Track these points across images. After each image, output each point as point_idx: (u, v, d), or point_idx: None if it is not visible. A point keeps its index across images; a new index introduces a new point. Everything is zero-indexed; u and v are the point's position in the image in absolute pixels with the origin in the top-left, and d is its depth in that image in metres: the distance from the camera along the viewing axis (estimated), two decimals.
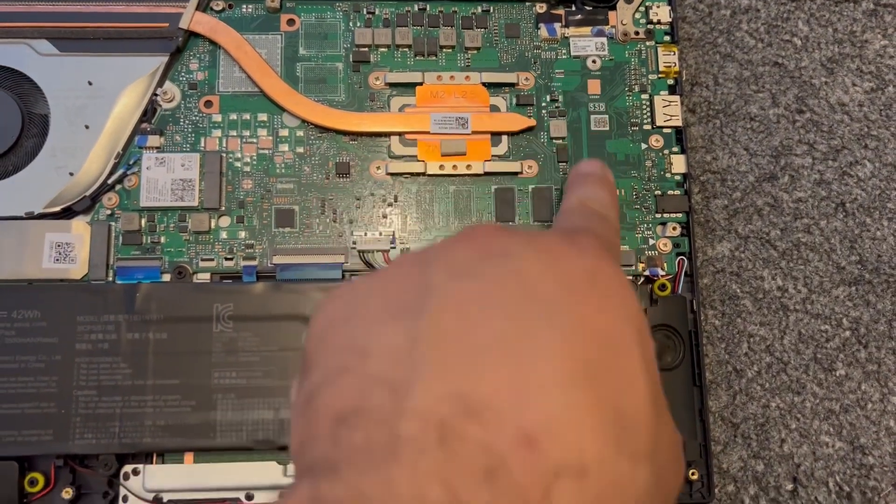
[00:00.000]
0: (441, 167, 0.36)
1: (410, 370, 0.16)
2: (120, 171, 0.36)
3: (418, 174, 0.36)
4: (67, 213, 0.35)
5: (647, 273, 0.36)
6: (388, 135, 0.37)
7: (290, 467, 0.33)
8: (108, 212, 0.35)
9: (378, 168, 0.36)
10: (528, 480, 0.15)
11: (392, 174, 0.36)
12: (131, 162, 0.36)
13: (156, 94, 0.36)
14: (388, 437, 0.16)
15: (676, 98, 0.38)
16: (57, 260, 0.34)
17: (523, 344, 0.17)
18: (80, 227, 0.35)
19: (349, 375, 0.17)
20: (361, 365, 0.17)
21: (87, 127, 0.36)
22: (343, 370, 0.18)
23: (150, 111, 0.36)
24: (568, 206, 0.25)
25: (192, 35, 0.37)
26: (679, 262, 0.36)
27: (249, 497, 0.33)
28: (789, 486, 0.36)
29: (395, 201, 0.36)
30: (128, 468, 0.33)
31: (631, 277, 0.36)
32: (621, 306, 0.19)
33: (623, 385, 0.17)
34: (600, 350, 0.17)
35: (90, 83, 0.36)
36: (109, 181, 0.36)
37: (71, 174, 0.35)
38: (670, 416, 0.20)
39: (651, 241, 0.36)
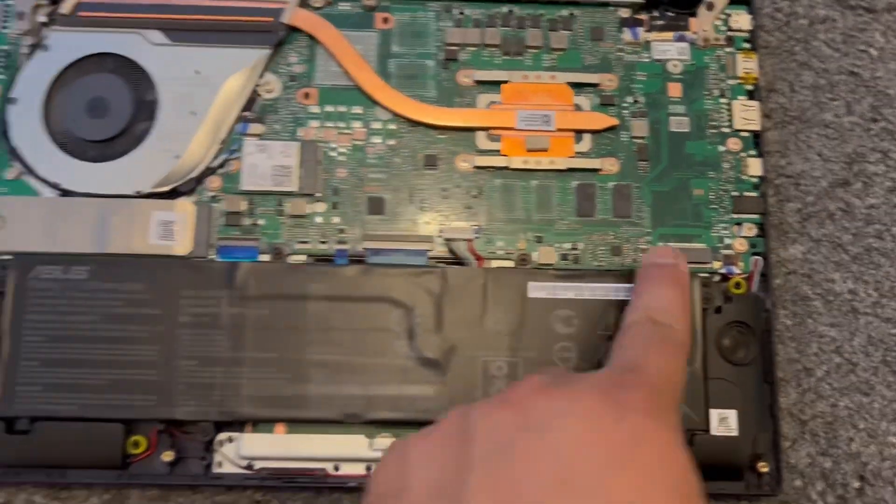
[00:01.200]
0: (525, 162, 0.38)
1: None
2: (223, 156, 0.38)
3: (503, 168, 0.38)
4: (173, 194, 0.37)
5: (723, 271, 0.37)
6: (474, 129, 0.38)
7: (377, 441, 0.35)
8: (211, 194, 0.37)
9: (464, 161, 0.38)
10: None
11: (478, 167, 0.38)
12: (233, 148, 0.38)
13: (258, 85, 0.39)
14: None
15: (755, 103, 0.39)
16: (162, 237, 0.37)
17: None
18: (184, 207, 0.37)
19: None
20: None
21: (193, 113, 0.38)
22: None
23: (251, 100, 0.38)
24: (631, 320, 0.26)
25: (292, 30, 0.39)
26: (754, 261, 0.37)
27: (336, 468, 0.35)
28: (856, 485, 0.37)
29: (480, 193, 0.38)
30: (223, 435, 0.35)
31: (706, 275, 0.37)
32: (661, 477, 0.19)
33: None
34: None
35: (197, 72, 0.38)
36: (213, 165, 0.38)
37: (177, 157, 0.37)
38: None
39: (727, 241, 0.38)
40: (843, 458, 0.37)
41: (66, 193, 0.37)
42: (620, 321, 0.29)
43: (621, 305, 0.36)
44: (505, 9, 0.40)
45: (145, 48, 0.38)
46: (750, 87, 0.39)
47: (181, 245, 0.37)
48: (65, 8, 0.39)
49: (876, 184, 0.40)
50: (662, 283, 0.26)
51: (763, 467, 0.35)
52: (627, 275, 0.36)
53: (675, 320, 0.25)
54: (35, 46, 0.39)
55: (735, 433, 0.35)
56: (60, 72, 0.38)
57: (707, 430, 0.35)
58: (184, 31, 0.39)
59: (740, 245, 0.37)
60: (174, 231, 0.37)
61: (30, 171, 0.37)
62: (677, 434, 0.20)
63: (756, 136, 0.39)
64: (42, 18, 0.39)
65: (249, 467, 0.35)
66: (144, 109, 0.38)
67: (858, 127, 0.41)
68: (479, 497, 0.18)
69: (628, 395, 0.21)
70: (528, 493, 0.18)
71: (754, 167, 0.38)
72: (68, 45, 0.38)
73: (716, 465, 0.35)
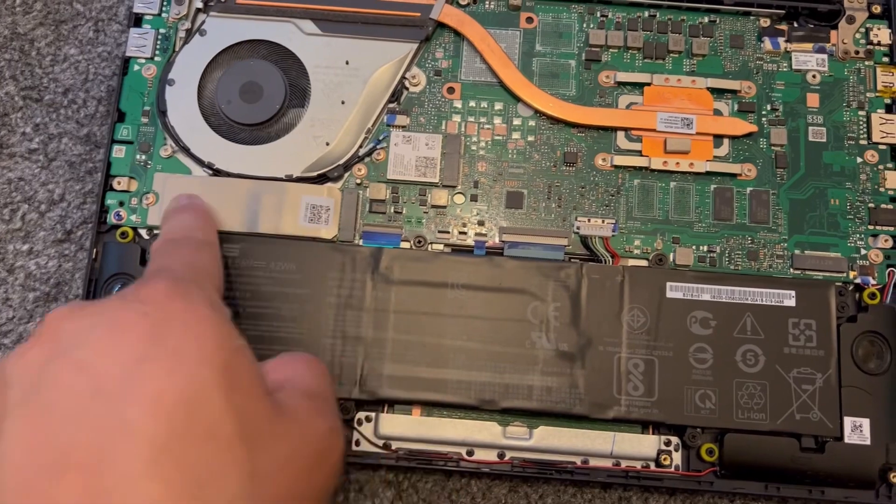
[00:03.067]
0: (665, 163, 0.38)
1: None
2: (370, 145, 0.39)
3: (642, 168, 0.39)
4: (322, 179, 0.39)
5: (858, 281, 0.37)
6: (615, 129, 0.39)
7: (510, 429, 0.36)
8: (358, 181, 0.39)
9: (603, 160, 0.39)
10: None
11: (616, 166, 0.39)
12: (380, 138, 0.39)
13: (405, 78, 0.40)
14: None
15: (893, 117, 0.39)
16: (311, 220, 0.38)
17: (97, 448, 0.17)
18: (332, 193, 0.38)
19: None
20: None
21: (342, 102, 0.39)
22: None
23: (398, 92, 0.40)
24: (153, 248, 0.28)
25: (440, 25, 0.40)
26: (889, 273, 0.37)
27: (470, 453, 0.36)
28: None
29: (618, 192, 0.39)
30: (362, 414, 0.36)
31: (840, 284, 0.37)
32: (195, 354, 0.19)
33: (204, 443, 0.18)
34: (175, 421, 0.18)
35: (347, 62, 0.40)
36: (360, 153, 0.39)
37: (327, 144, 0.39)
38: (300, 409, 0.22)
39: (863, 251, 0.38)
40: None
41: (217, 173, 0.39)
42: None
43: (757, 309, 0.36)
44: (647, 13, 0.40)
45: (298, 37, 0.40)
46: (888, 101, 0.40)
47: (328, 229, 0.38)
48: None
49: None
50: (178, 212, 0.30)
51: (895, 478, 0.35)
52: (764, 280, 0.37)
53: (193, 231, 0.27)
54: (192, 31, 0.40)
55: (868, 442, 0.35)
56: (215, 56, 0.40)
57: (840, 438, 0.35)
58: (335, 22, 0.40)
59: (875, 256, 0.38)
60: (321, 215, 0.38)
61: (184, 149, 0.39)
62: (209, 310, 0.21)
63: (893, 148, 0.39)
64: (199, 4, 0.40)
65: (386, 447, 0.36)
66: (296, 96, 0.39)
67: None
68: (16, 436, 0.18)
69: (148, 289, 0.21)
70: (63, 417, 0.18)
71: (892, 180, 0.38)
72: (223, 30, 0.40)
73: (847, 472, 0.35)
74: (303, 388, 0.23)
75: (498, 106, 0.40)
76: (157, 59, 0.40)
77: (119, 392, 0.18)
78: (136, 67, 0.40)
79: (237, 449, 0.19)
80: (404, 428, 0.36)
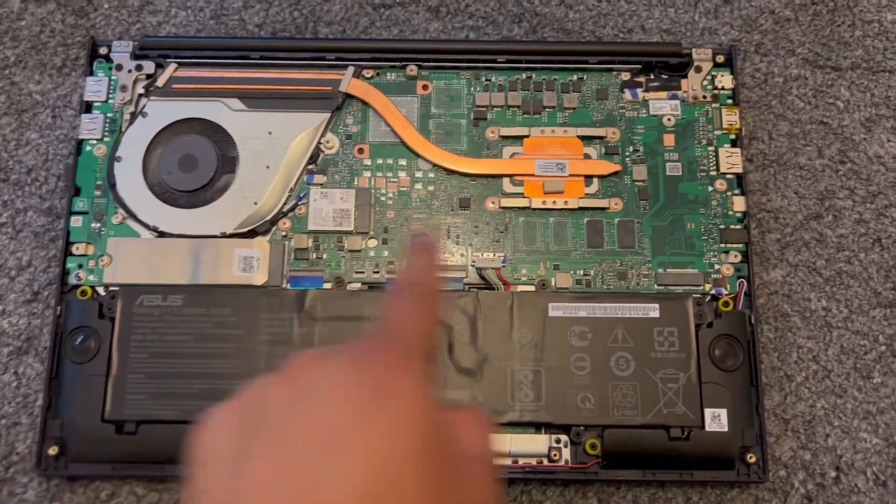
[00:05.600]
0: (543, 202, 0.45)
1: None
2: (293, 202, 0.45)
3: (525, 208, 0.45)
4: (252, 234, 0.45)
5: (713, 292, 0.44)
6: (500, 176, 0.46)
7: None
8: (283, 233, 0.45)
9: (493, 203, 0.45)
10: None
11: (504, 208, 0.45)
12: (301, 195, 0.45)
13: (320, 143, 0.46)
14: None
15: (737, 150, 0.46)
16: (244, 270, 0.44)
17: (319, 489, 0.20)
18: (261, 245, 0.45)
19: (199, 498, 0.21)
20: (204, 496, 0.21)
21: (267, 167, 0.46)
22: (196, 494, 0.22)
23: (315, 155, 0.46)
24: (390, 288, 0.27)
25: (348, 97, 0.47)
26: (740, 283, 0.44)
27: None
28: (832, 474, 0.43)
29: (506, 229, 0.45)
30: None
31: (698, 295, 0.44)
32: (403, 423, 0.21)
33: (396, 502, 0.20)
34: (379, 479, 0.20)
35: (270, 133, 0.46)
36: (284, 209, 0.45)
37: (255, 203, 0.45)
38: (469, 480, 0.23)
39: (717, 266, 0.44)
40: (821, 452, 0.43)
41: (162, 235, 0.45)
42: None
43: (627, 321, 0.43)
44: (524, 75, 0.47)
45: (226, 113, 0.46)
46: (733, 137, 0.46)
47: (259, 276, 0.44)
48: (160, 81, 0.47)
49: (844, 216, 0.47)
50: (416, 252, 0.29)
51: (751, 458, 0.42)
52: (632, 296, 0.43)
53: (430, 286, 0.27)
54: (135, 113, 0.47)
55: (725, 429, 0.42)
56: (156, 134, 0.46)
57: (702, 427, 0.42)
58: (258, 98, 0.46)
59: (727, 270, 0.44)
60: (253, 265, 0.44)
61: (132, 216, 0.45)
62: (423, 384, 0.22)
63: (739, 177, 0.46)
64: (140, 90, 0.47)
65: None
66: (227, 164, 0.46)
67: (828, 168, 0.48)
68: (258, 464, 0.21)
69: (377, 356, 0.23)
70: (299, 454, 0.21)
71: (738, 204, 0.45)
72: (162, 111, 0.46)
73: (710, 456, 0.42)
74: (475, 453, 0.25)
75: (402, 162, 0.46)
76: (106, 139, 0.46)
77: (343, 443, 0.21)
78: (89, 148, 0.46)
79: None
80: None
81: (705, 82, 0.47)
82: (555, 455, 0.42)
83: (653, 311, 0.43)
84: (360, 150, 0.46)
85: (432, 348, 0.26)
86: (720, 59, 0.47)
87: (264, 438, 0.22)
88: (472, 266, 0.45)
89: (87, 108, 0.47)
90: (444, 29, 0.50)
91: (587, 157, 0.46)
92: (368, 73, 0.47)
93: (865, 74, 0.50)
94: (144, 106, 0.47)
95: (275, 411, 0.22)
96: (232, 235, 0.45)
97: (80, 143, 0.46)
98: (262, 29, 0.50)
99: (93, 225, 0.45)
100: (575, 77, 0.48)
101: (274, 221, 0.45)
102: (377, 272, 0.45)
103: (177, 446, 0.41)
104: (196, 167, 0.45)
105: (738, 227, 0.45)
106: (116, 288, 0.44)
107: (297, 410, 0.22)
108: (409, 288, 0.27)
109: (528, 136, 0.46)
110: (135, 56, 0.47)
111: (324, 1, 0.51)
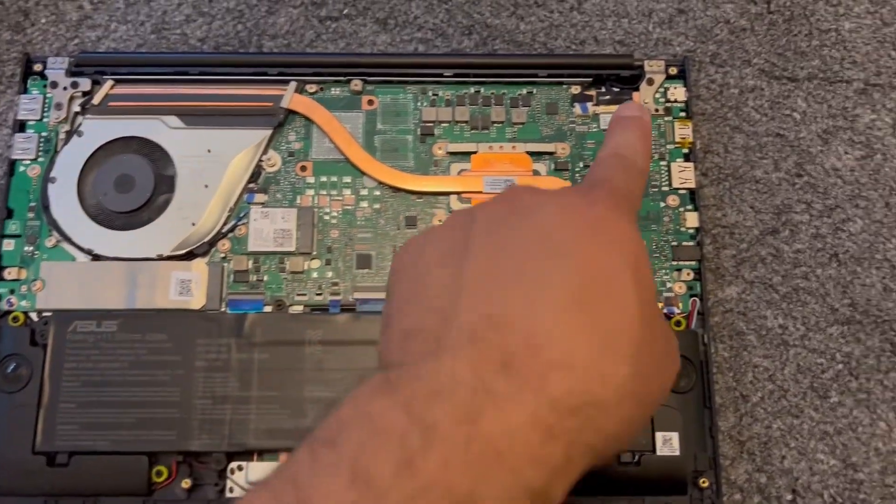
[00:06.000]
0: None
1: (454, 300, 0.23)
2: (232, 222, 0.44)
3: None
4: (189, 256, 0.43)
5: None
6: (448, 194, 0.44)
7: None
8: (222, 255, 0.44)
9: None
10: (530, 371, 0.21)
11: None
12: (241, 215, 0.44)
13: (261, 160, 0.45)
14: (437, 344, 0.22)
15: (690, 164, 0.45)
16: (181, 293, 0.43)
17: (537, 278, 0.23)
18: (199, 267, 0.43)
19: (413, 305, 0.24)
20: (422, 298, 0.24)
21: (206, 186, 0.44)
22: (409, 301, 0.24)
23: (256, 174, 0.45)
24: (601, 155, 0.29)
25: (291, 113, 0.45)
26: (692, 302, 0.43)
27: None
28: (789, 497, 0.42)
29: None
30: (234, 464, 0.41)
31: None
32: (618, 247, 0.24)
33: (613, 308, 0.23)
34: (597, 284, 0.23)
35: (209, 151, 0.45)
36: (223, 230, 0.44)
37: (193, 224, 0.43)
38: (664, 326, 0.25)
39: (668, 284, 0.43)
40: (777, 474, 0.42)
41: (97, 258, 0.43)
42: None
43: None
44: (472, 89, 0.46)
45: (164, 131, 0.45)
46: (686, 151, 0.45)
47: (197, 300, 0.43)
48: (95, 99, 0.45)
49: (801, 231, 0.46)
50: (629, 128, 0.30)
51: (704, 483, 0.40)
52: None
53: (638, 155, 0.29)
54: (71, 132, 0.45)
55: (677, 453, 0.40)
56: (92, 153, 0.45)
57: (653, 451, 0.40)
58: (197, 115, 0.45)
59: (679, 288, 0.43)
60: (191, 288, 0.43)
61: (67, 239, 0.43)
62: (633, 227, 0.25)
63: (692, 193, 0.45)
64: (76, 108, 0.46)
65: None
66: (165, 184, 0.44)
67: (785, 182, 0.47)
68: (478, 256, 0.23)
69: (596, 192, 0.26)
70: (517, 252, 0.23)
71: (691, 220, 0.44)
72: (98, 130, 0.45)
73: (661, 481, 0.40)
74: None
75: (346, 179, 0.45)
76: (40, 159, 0.45)
77: (563, 251, 0.23)
78: (22, 168, 0.45)
79: (635, 325, 0.23)
80: None
81: (658, 95, 0.46)
82: None
83: None
84: (303, 168, 0.45)
85: (639, 208, 0.29)
86: (673, 70, 0.46)
87: (485, 239, 0.24)
88: None
89: (21, 127, 0.46)
90: (392, 41, 0.49)
91: (536, 173, 0.45)
92: (312, 89, 0.46)
93: (822, 85, 0.49)
94: (80, 124, 0.45)
95: (496, 221, 0.24)
96: (169, 258, 0.43)
97: (12, 164, 0.45)
98: (205, 43, 0.49)
99: (26, 248, 0.44)
100: (524, 91, 0.46)
101: (213, 243, 0.44)
102: (320, 294, 0.43)
103: (112, 478, 0.40)
104: (133, 187, 0.44)
105: (691, 243, 0.44)
106: (49, 313, 0.42)
107: (519, 221, 0.24)
108: (629, 123, 0.29)
109: (475, 153, 0.45)
110: (70, 73, 0.46)
111: (268, 14, 0.49)
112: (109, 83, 0.45)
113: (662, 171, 0.45)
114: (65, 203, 0.44)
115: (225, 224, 0.44)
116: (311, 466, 0.21)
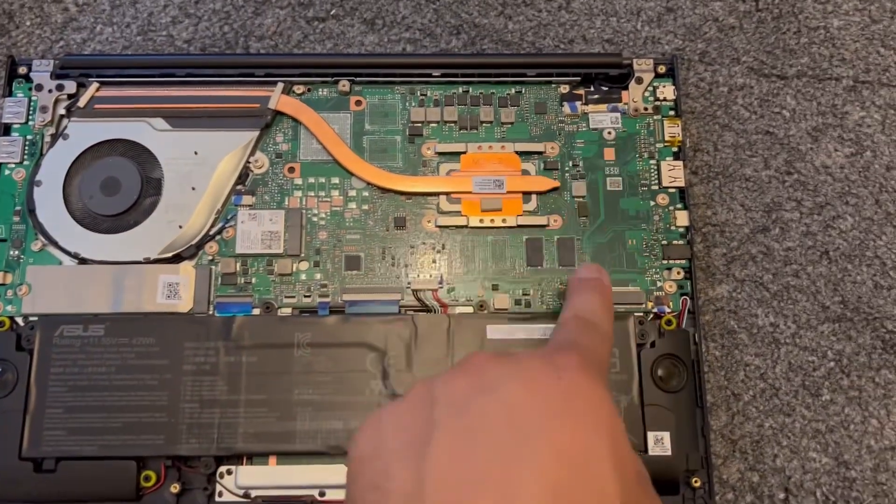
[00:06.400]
0: (481, 220, 0.44)
1: None
2: (220, 225, 0.44)
3: (462, 226, 0.44)
4: (177, 259, 0.43)
5: (655, 310, 0.43)
6: (437, 194, 0.44)
7: None
8: (210, 258, 0.43)
9: (429, 221, 0.44)
10: None
11: (440, 226, 0.44)
12: (229, 217, 0.44)
13: (249, 162, 0.45)
14: None
15: (679, 163, 0.45)
16: (168, 297, 0.42)
17: (507, 477, 0.20)
18: (187, 270, 0.43)
19: None
20: (384, 499, 0.22)
21: (193, 188, 0.44)
22: (371, 502, 0.22)
23: (244, 175, 0.44)
24: (563, 318, 0.29)
25: (278, 114, 0.45)
26: (683, 301, 0.43)
27: (322, 494, 0.40)
28: (781, 496, 0.42)
29: (443, 249, 0.44)
30: (223, 468, 0.40)
31: (640, 314, 0.42)
32: (593, 422, 0.22)
33: (594, 494, 0.21)
34: (573, 470, 0.21)
35: (196, 153, 0.44)
36: (211, 233, 0.43)
37: (180, 227, 0.43)
38: (645, 488, 0.24)
39: (659, 284, 0.43)
40: (770, 473, 0.42)
41: (84, 262, 0.43)
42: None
43: None
44: (461, 89, 0.46)
45: (151, 134, 0.45)
46: (675, 149, 0.45)
47: (184, 303, 0.42)
48: (81, 102, 0.45)
49: (792, 229, 0.46)
50: (589, 291, 0.30)
51: (696, 482, 0.40)
52: None
53: (600, 320, 0.29)
54: (56, 135, 0.45)
55: (669, 452, 0.40)
56: (78, 156, 0.44)
57: (645, 451, 0.40)
58: (183, 117, 0.45)
59: (670, 287, 0.43)
60: (178, 291, 0.42)
61: (53, 243, 0.43)
62: (605, 391, 0.24)
63: (682, 191, 0.44)
64: (62, 111, 0.45)
65: (247, 496, 0.40)
66: (151, 186, 0.44)
67: (775, 179, 0.47)
68: (442, 451, 0.21)
69: (563, 358, 0.24)
70: (484, 442, 0.21)
71: (681, 219, 0.44)
72: (84, 133, 0.45)
73: (654, 480, 0.40)
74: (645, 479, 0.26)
75: (334, 180, 0.45)
76: (25, 162, 0.45)
77: (534, 435, 0.21)
78: (7, 172, 0.44)
79: None
80: (262, 477, 0.40)
81: (647, 93, 0.46)
82: None
83: None
84: (291, 169, 0.45)
85: (606, 379, 0.28)
86: (661, 69, 0.46)
87: (448, 426, 0.22)
88: (408, 288, 0.43)
89: (6, 130, 0.45)
90: (379, 42, 0.49)
91: (525, 172, 0.45)
92: (299, 90, 0.46)
93: (811, 82, 0.49)
94: (65, 127, 0.45)
95: (459, 401, 0.22)
96: (156, 261, 0.43)
97: None
98: (192, 45, 0.49)
99: (11, 252, 0.43)
100: (513, 90, 0.46)
101: (200, 245, 0.43)
102: (308, 296, 0.43)
103: (99, 484, 0.40)
104: (119, 190, 0.44)
105: (681, 242, 0.44)
106: (35, 318, 0.42)
107: (484, 401, 0.22)
108: (589, 284, 0.29)
109: (464, 153, 0.45)
110: (55, 75, 0.45)
111: (255, 15, 0.49)
112: (95, 85, 0.45)
113: (652, 170, 0.45)
114: (51, 206, 0.43)
115: (212, 226, 0.44)
116: None
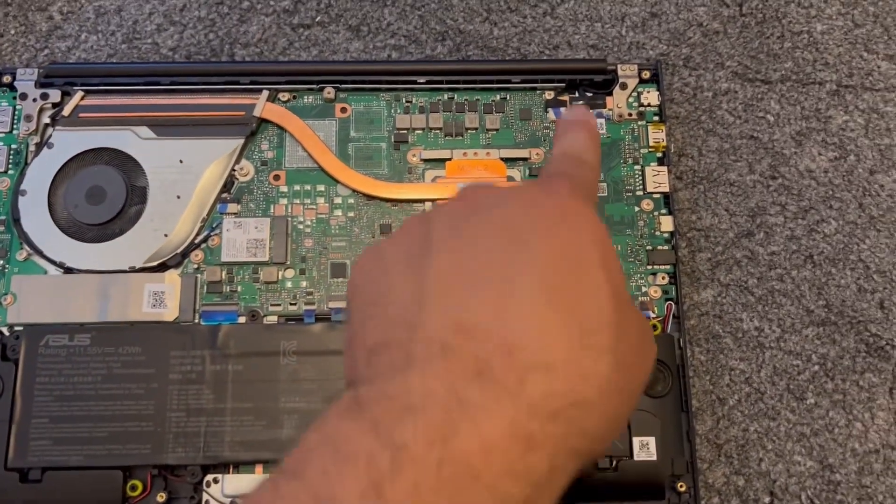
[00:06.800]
0: None
1: (419, 310, 0.21)
2: (205, 233, 0.44)
3: None
4: (162, 267, 0.43)
5: None
6: (423, 201, 0.44)
7: None
8: (196, 266, 0.43)
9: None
10: (507, 376, 0.20)
11: None
12: (214, 225, 0.44)
13: (234, 170, 0.45)
14: (405, 358, 0.21)
15: (664, 168, 0.45)
16: (154, 305, 0.42)
17: (505, 276, 0.21)
18: (172, 279, 0.43)
19: (376, 319, 0.23)
20: (384, 310, 0.23)
21: (178, 197, 0.44)
22: (372, 315, 0.23)
23: (229, 183, 0.44)
24: (552, 154, 0.29)
25: (263, 121, 0.45)
26: (668, 306, 0.43)
27: None
28: (767, 500, 0.42)
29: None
30: (210, 477, 0.40)
31: None
32: (586, 234, 0.23)
33: (586, 298, 0.21)
34: (567, 272, 0.22)
35: (181, 161, 0.44)
36: (196, 241, 0.43)
37: (165, 235, 0.43)
38: (635, 310, 0.24)
39: (644, 289, 0.43)
40: (755, 477, 0.42)
41: (69, 271, 0.43)
42: None
43: None
44: (446, 96, 0.46)
45: (136, 142, 0.45)
46: (660, 155, 0.45)
47: (170, 312, 0.42)
48: (66, 110, 0.45)
49: (776, 233, 0.46)
50: (576, 129, 0.30)
51: (682, 487, 0.40)
52: None
53: (587, 152, 0.29)
54: (41, 144, 0.45)
55: (654, 458, 0.40)
56: (63, 165, 0.44)
57: (631, 456, 0.40)
58: (168, 126, 0.45)
59: (655, 292, 0.43)
60: (164, 300, 0.42)
61: (38, 252, 0.43)
62: (596, 214, 0.24)
63: (666, 196, 0.45)
64: (46, 120, 0.45)
65: None
66: (136, 195, 0.44)
67: (759, 184, 0.47)
68: (441, 258, 0.22)
69: (556, 184, 0.25)
70: (481, 247, 0.22)
71: (666, 224, 0.44)
72: (69, 142, 0.45)
73: (639, 486, 0.40)
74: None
75: (320, 188, 0.45)
76: (10, 172, 0.44)
77: (530, 241, 0.22)
78: None
79: (611, 314, 0.22)
80: (249, 486, 0.40)
81: (631, 99, 0.46)
82: None
83: None
84: (276, 177, 0.45)
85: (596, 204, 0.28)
86: (646, 74, 0.46)
87: (446, 240, 0.22)
88: None
89: None
90: (365, 48, 0.49)
91: (511, 179, 0.45)
92: (284, 97, 0.46)
93: (795, 87, 0.49)
94: (50, 136, 0.45)
95: (455, 220, 0.23)
96: (141, 270, 0.43)
97: None
98: (177, 52, 0.49)
99: None
100: (498, 97, 0.46)
101: (185, 254, 0.43)
102: (294, 304, 0.43)
103: (85, 494, 0.40)
104: (104, 199, 0.44)
105: (666, 247, 0.44)
106: (21, 328, 0.42)
107: (480, 218, 0.23)
108: (576, 125, 0.28)
109: (450, 159, 0.45)
110: (40, 84, 0.45)
111: (240, 22, 0.49)
112: (80, 94, 0.45)
113: (637, 176, 0.45)
114: (35, 216, 0.43)
115: (198, 235, 0.44)
116: (273, 501, 0.21)
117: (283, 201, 0.44)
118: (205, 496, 0.40)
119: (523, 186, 0.26)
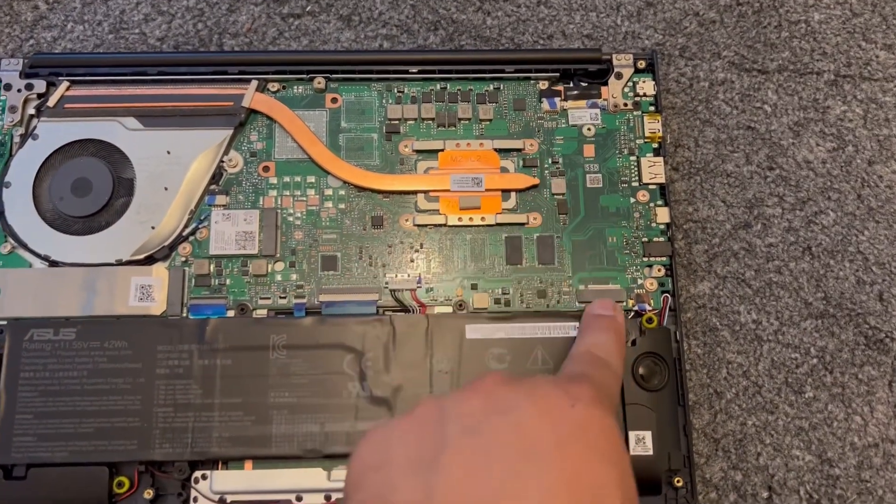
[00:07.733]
0: (459, 219, 0.43)
1: None
2: (193, 225, 0.43)
3: (440, 225, 0.43)
4: (149, 260, 0.42)
5: (636, 308, 0.42)
6: (415, 193, 0.44)
7: (334, 473, 0.40)
8: (183, 259, 0.42)
9: (406, 220, 0.43)
10: None
11: (418, 225, 0.43)
12: (202, 217, 0.43)
13: (222, 161, 0.44)
14: None
15: (660, 159, 0.44)
16: (141, 299, 0.41)
17: (517, 496, 0.20)
18: (159, 272, 0.42)
19: None
20: None
21: (165, 189, 0.43)
22: None
23: (217, 175, 0.44)
24: (576, 351, 0.29)
25: (252, 112, 0.44)
26: (664, 298, 0.42)
27: (299, 499, 0.39)
28: (765, 494, 0.41)
29: (421, 248, 0.43)
30: (198, 473, 0.39)
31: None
32: (605, 454, 0.22)
33: None
34: (583, 498, 0.21)
35: (168, 152, 0.43)
36: (184, 233, 0.43)
37: (153, 228, 0.42)
38: None
39: (640, 281, 0.42)
40: (753, 471, 0.42)
41: (54, 264, 0.42)
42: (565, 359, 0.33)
43: (546, 341, 0.41)
44: (438, 86, 0.45)
45: (122, 133, 0.44)
46: (655, 145, 0.45)
47: (157, 305, 0.41)
48: (51, 101, 0.44)
49: (774, 225, 0.46)
50: (603, 329, 0.30)
51: (678, 482, 0.40)
52: (552, 315, 0.41)
53: (612, 357, 0.29)
54: (25, 135, 0.44)
55: (651, 452, 0.40)
56: (48, 157, 0.43)
57: (627, 451, 0.39)
58: (156, 116, 0.44)
59: (651, 284, 0.42)
60: (151, 293, 0.42)
61: (22, 245, 0.42)
62: (617, 426, 0.24)
63: (662, 188, 0.44)
64: (31, 111, 0.44)
65: (222, 501, 0.39)
66: (123, 187, 0.43)
67: (757, 175, 0.46)
68: (453, 467, 0.21)
69: (577, 388, 0.24)
70: (496, 462, 0.21)
71: (662, 215, 0.43)
72: (54, 133, 0.44)
73: (636, 481, 0.39)
74: None
75: (310, 179, 0.44)
76: None
77: (547, 458, 0.21)
78: None
79: None
80: (237, 482, 0.40)
81: (626, 89, 0.46)
82: None
83: (573, 330, 0.41)
84: (266, 168, 0.44)
85: (616, 414, 0.27)
86: (641, 64, 0.46)
87: (460, 443, 0.22)
88: (386, 288, 0.42)
89: None
90: (356, 38, 0.48)
91: (504, 170, 0.44)
92: (274, 87, 0.45)
93: (793, 77, 0.48)
94: (35, 127, 0.44)
95: (471, 420, 0.22)
96: (128, 263, 0.42)
97: None
98: (165, 42, 0.48)
99: None
100: (491, 87, 0.45)
101: (173, 246, 0.42)
102: (284, 297, 0.42)
103: (70, 491, 0.39)
104: (90, 191, 0.43)
105: (662, 239, 0.43)
106: (5, 322, 0.41)
107: (497, 421, 0.22)
108: (603, 322, 0.29)
109: (442, 150, 0.44)
110: (25, 74, 0.45)
111: (229, 12, 0.48)
112: (65, 84, 0.44)
113: (632, 166, 0.44)
114: (20, 208, 0.43)
115: (186, 227, 0.43)
116: None
117: (273, 193, 0.44)
118: (193, 492, 0.39)
119: (544, 387, 0.24)
